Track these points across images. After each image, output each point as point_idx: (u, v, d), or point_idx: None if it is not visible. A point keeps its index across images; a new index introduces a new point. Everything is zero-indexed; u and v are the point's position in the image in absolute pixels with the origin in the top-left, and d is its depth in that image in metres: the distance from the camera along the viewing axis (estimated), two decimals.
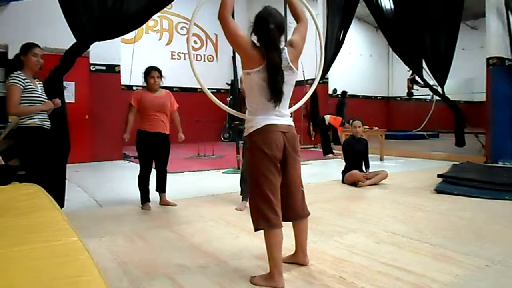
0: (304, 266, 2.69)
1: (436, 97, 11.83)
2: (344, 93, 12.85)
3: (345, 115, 11.71)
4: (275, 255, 2.41)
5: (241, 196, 4.51)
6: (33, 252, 0.97)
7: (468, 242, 3.21)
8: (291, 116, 2.63)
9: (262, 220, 2.41)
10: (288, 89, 2.50)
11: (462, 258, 2.85)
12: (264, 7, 2.51)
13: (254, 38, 2.48)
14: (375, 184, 5.72)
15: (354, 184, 5.69)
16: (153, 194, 4.52)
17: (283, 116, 2.50)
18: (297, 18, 2.67)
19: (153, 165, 4.50)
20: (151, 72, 4.44)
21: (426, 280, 2.47)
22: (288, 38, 2.71)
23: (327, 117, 10.10)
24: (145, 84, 4.49)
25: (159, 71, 4.50)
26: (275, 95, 2.40)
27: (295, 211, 2.60)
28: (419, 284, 2.42)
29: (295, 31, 2.63)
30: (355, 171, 5.73)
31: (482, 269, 2.67)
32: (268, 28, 2.38)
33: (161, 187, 4.57)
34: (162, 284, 2.46)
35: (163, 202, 4.55)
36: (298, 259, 2.71)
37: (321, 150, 10.39)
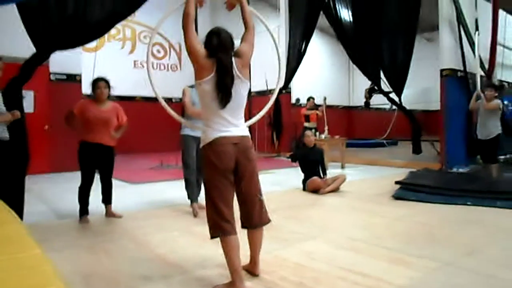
0: (266, 274, 2.75)
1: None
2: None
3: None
4: (233, 261, 2.48)
5: (189, 200, 4.62)
6: None
7: (422, 245, 3.37)
8: (247, 126, 2.70)
9: (216, 229, 2.52)
10: (238, 98, 2.57)
11: (416, 261, 3.00)
12: (215, 26, 2.66)
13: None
14: (335, 190, 5.86)
15: (316, 191, 5.83)
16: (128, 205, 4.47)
17: (235, 126, 2.57)
18: (245, 25, 2.77)
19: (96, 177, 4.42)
20: (98, 83, 4.32)
21: (382, 283, 2.59)
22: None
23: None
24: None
25: (107, 82, 4.37)
26: (224, 95, 2.48)
27: (250, 219, 2.66)
28: (376, 287, 2.53)
29: (242, 39, 2.73)
30: (315, 178, 5.89)
31: (435, 270, 2.82)
32: (220, 37, 2.54)
33: (106, 199, 4.50)
34: None
35: (109, 214, 4.48)
36: (249, 268, 2.75)
37: (284, 158, 10.54)
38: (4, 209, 1.58)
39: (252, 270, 2.73)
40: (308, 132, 6.39)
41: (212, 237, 2.55)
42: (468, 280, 2.64)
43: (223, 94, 2.48)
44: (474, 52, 8.52)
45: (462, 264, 2.93)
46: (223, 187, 2.52)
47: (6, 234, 1.21)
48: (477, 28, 8.67)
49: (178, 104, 4.85)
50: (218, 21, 3.00)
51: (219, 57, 2.49)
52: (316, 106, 10.73)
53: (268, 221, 2.75)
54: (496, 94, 6.41)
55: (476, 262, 2.97)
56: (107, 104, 4.40)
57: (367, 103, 14.54)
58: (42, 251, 1.07)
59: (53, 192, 6.09)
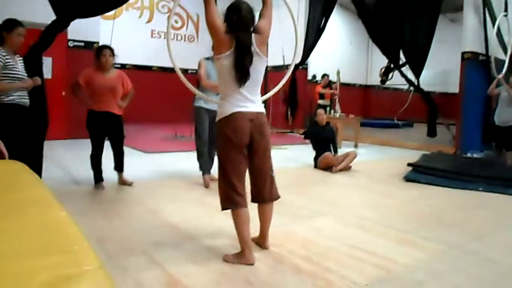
0: (275, 247, 2.83)
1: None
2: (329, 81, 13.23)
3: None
4: (243, 233, 2.56)
5: (201, 171, 4.70)
6: (24, 226, 1.03)
7: (430, 228, 3.41)
8: (263, 102, 2.73)
9: (228, 201, 2.60)
10: (256, 75, 2.60)
11: (424, 242, 3.04)
12: (235, 0, 2.63)
13: None
14: (347, 168, 5.88)
15: (327, 168, 5.86)
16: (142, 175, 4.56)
17: (252, 102, 2.61)
18: (263, 1, 2.75)
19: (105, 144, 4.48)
20: (103, 51, 4.30)
21: (387, 262, 2.65)
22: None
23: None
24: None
25: (111, 50, 4.35)
26: (242, 75, 2.51)
27: (261, 194, 2.72)
28: (380, 265, 2.60)
29: (260, 15, 2.72)
30: (327, 153, 5.93)
31: (441, 253, 2.87)
32: (240, 13, 2.53)
33: (119, 166, 4.57)
34: (138, 259, 2.56)
35: (121, 181, 4.57)
36: (259, 241, 2.82)
37: (297, 135, 10.55)
38: (29, 173, 1.65)
39: (261, 243, 2.80)
40: (320, 111, 6.40)
41: (223, 208, 2.63)
42: (471, 264, 2.68)
43: (242, 73, 2.51)
44: (497, 34, 8.30)
45: (468, 248, 2.96)
46: (237, 161, 2.58)
47: (33, 196, 1.28)
48: (506, 9, 8.42)
49: (194, 76, 4.86)
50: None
51: (239, 36, 2.50)
52: (331, 84, 10.65)
53: (278, 197, 2.80)
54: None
55: (481, 247, 3.01)
56: (112, 72, 4.40)
57: (383, 81, 14.35)
58: (67, 213, 1.14)
59: (69, 158, 6.23)
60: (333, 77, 11.03)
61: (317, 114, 6.33)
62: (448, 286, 2.38)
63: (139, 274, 2.36)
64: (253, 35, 2.58)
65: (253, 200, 2.74)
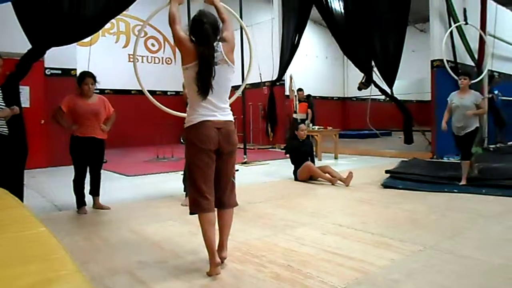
0: (256, 257, 2.91)
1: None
2: (309, 95, 13.51)
3: (314, 114, 12.33)
4: (207, 236, 2.66)
5: (184, 193, 4.79)
6: (6, 240, 1.11)
7: (406, 230, 3.54)
8: (231, 111, 2.83)
9: (194, 205, 2.70)
10: (223, 82, 2.72)
11: (399, 244, 3.16)
12: (199, 10, 2.76)
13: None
14: (332, 181, 5.92)
15: (308, 179, 6.00)
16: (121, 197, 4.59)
17: (220, 110, 2.70)
18: (221, 20, 2.90)
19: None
20: (86, 79, 4.38)
21: (365, 264, 2.75)
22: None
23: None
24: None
25: (94, 77, 4.44)
26: (203, 88, 2.61)
27: (221, 200, 2.81)
28: (358, 268, 2.70)
29: (223, 29, 2.84)
30: (308, 162, 6.07)
31: (416, 253, 2.98)
32: (203, 27, 2.64)
33: (95, 191, 4.61)
34: (122, 279, 2.61)
35: (97, 206, 4.60)
36: (218, 252, 2.74)
37: (278, 150, 10.67)
38: (10, 196, 1.72)
39: (219, 253, 2.74)
40: (302, 126, 6.55)
41: (191, 213, 2.74)
42: (445, 261, 2.80)
43: (203, 87, 2.61)
44: (465, 43, 8.64)
45: (442, 247, 3.09)
46: (203, 165, 2.67)
47: (13, 216, 1.35)
48: (465, 19, 8.80)
49: (175, 97, 4.97)
50: (210, 8, 3.18)
51: (200, 50, 2.62)
52: (310, 98, 10.86)
53: (236, 204, 2.90)
54: (470, 83, 5.91)
55: (455, 245, 3.13)
56: (94, 97, 4.49)
57: (360, 88, 14.59)
58: (47, 228, 1.21)
59: (51, 185, 6.21)
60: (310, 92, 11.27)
61: (298, 129, 6.47)
62: (423, 283, 2.48)
63: None
64: (221, 44, 2.72)
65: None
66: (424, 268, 2.70)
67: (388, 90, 9.08)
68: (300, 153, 6.30)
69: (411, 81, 15.79)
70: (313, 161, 6.34)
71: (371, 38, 8.71)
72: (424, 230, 3.55)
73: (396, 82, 8.84)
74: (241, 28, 3.64)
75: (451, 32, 8.69)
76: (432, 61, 8.75)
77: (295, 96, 10.22)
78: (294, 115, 10.18)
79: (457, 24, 8.56)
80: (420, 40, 15.47)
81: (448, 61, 8.72)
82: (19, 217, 1.37)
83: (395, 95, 8.91)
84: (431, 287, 2.42)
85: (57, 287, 0.85)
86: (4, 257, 1.01)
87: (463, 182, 5.50)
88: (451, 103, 5.81)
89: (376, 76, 9.20)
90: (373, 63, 9.03)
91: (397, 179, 5.81)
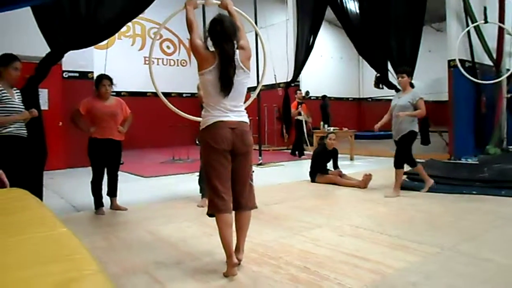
0: (272, 259, 2.91)
1: None
2: (324, 96, 13.58)
3: (330, 115, 12.38)
4: (224, 237, 2.66)
5: (200, 194, 4.83)
6: (29, 240, 1.13)
7: (423, 232, 3.50)
8: (246, 113, 2.85)
9: (211, 206, 2.71)
10: (239, 86, 2.74)
11: (416, 246, 3.12)
12: (218, 13, 2.80)
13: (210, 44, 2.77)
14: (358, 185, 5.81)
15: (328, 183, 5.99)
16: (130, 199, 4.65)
17: (234, 112, 2.72)
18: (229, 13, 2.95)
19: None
20: (103, 81, 4.46)
21: (382, 266, 2.73)
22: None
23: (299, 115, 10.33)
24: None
25: (110, 79, 4.51)
26: (226, 85, 2.64)
27: (239, 201, 2.80)
28: (375, 270, 2.67)
29: (239, 37, 2.84)
30: (332, 176, 6.09)
31: (433, 255, 2.95)
32: (223, 25, 2.68)
33: (112, 192, 4.67)
34: (139, 279, 2.64)
35: (114, 207, 4.65)
36: (234, 253, 2.74)
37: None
38: (31, 197, 1.76)
39: (235, 255, 2.74)
40: (331, 135, 6.51)
41: (208, 214, 2.76)
42: (464, 264, 2.76)
43: (226, 83, 2.64)
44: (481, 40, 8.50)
45: (461, 249, 3.04)
46: (218, 165, 2.68)
47: (35, 217, 1.38)
48: (485, 18, 8.66)
49: (189, 99, 5.00)
50: (225, 12, 3.28)
51: (222, 47, 2.65)
52: (304, 99, 10.85)
53: (255, 206, 2.90)
54: (410, 80, 5.29)
55: (474, 248, 3.09)
56: (111, 99, 4.56)
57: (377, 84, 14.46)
58: (68, 229, 1.24)
59: (69, 186, 6.31)
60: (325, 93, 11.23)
61: (328, 137, 6.43)
62: (441, 286, 2.45)
63: None
64: (237, 51, 2.74)
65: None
66: (442, 271, 2.67)
67: None
68: (324, 160, 6.32)
69: (428, 81, 15.59)
70: (336, 166, 6.37)
71: (387, 38, 8.63)
72: (442, 232, 3.50)
73: (412, 82, 8.72)
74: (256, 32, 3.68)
75: (468, 31, 8.57)
76: (449, 61, 8.64)
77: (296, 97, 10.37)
78: (298, 117, 10.18)
79: (475, 24, 8.42)
80: (437, 39, 15.30)
81: (465, 60, 8.61)
82: (41, 217, 1.40)
83: None
84: None
85: (81, 286, 0.87)
86: (29, 257, 1.04)
87: (392, 194, 5.03)
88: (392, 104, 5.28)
89: (392, 76, 9.10)
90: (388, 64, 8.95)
91: (413, 181, 5.75)
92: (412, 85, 5.27)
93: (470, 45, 8.63)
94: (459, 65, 7.93)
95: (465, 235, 3.41)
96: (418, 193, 5.17)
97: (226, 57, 2.65)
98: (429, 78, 15.31)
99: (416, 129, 5.17)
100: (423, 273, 2.62)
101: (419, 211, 4.31)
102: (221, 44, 2.67)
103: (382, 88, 10.73)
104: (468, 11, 8.53)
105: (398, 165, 5.19)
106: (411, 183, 5.64)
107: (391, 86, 8.88)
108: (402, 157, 5.20)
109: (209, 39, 2.74)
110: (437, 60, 13.81)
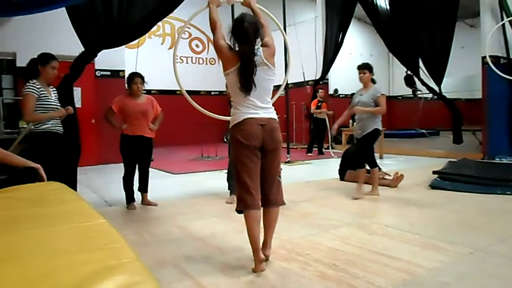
0: (301, 255, 2.92)
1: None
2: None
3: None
4: (251, 232, 2.68)
5: (229, 191, 4.89)
6: (71, 230, 1.19)
7: (455, 232, 3.43)
8: (274, 109, 2.86)
9: (240, 202, 2.73)
10: (264, 83, 2.76)
11: (448, 246, 3.07)
12: (241, 13, 2.84)
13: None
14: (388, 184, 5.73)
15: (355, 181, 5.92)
16: (160, 194, 4.73)
17: (263, 108, 2.75)
18: (259, 24, 2.92)
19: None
20: (135, 79, 4.55)
21: (412, 266, 2.70)
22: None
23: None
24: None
25: (142, 77, 4.61)
26: (246, 84, 2.67)
27: (268, 198, 2.82)
28: (405, 269, 2.64)
29: (262, 35, 2.88)
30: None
31: (466, 256, 2.89)
32: (243, 25, 2.71)
33: (143, 188, 4.76)
34: (170, 272, 2.70)
35: (145, 202, 4.74)
36: (262, 250, 2.77)
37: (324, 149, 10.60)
38: (69, 190, 1.83)
39: (263, 251, 2.77)
40: None
41: (237, 210, 2.77)
42: (498, 265, 2.70)
43: (246, 85, 2.67)
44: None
45: (494, 250, 2.97)
46: (248, 161, 2.70)
47: (74, 208, 1.44)
48: None
49: (217, 97, 5.06)
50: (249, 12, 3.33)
51: (241, 50, 2.70)
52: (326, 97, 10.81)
53: (283, 203, 2.90)
54: (372, 76, 5.21)
55: (508, 249, 3.01)
56: (142, 97, 4.66)
57: (413, 91, 14.15)
58: (106, 220, 1.29)
59: (101, 182, 6.48)
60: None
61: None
62: (474, 287, 2.41)
63: (172, 285, 2.48)
64: (261, 48, 2.78)
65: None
66: (475, 272, 2.61)
67: (436, 88, 8.81)
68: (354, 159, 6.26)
69: (460, 78, 15.24)
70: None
71: (418, 34, 8.47)
72: (475, 233, 3.43)
73: (444, 79, 8.56)
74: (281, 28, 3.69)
75: (503, 27, 8.31)
76: (483, 58, 8.40)
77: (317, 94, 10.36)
78: (319, 116, 10.15)
79: (510, 18, 8.15)
80: (470, 36, 14.90)
81: (500, 57, 8.36)
82: (79, 209, 1.47)
83: (443, 93, 8.64)
84: None
85: (120, 273, 0.91)
86: (70, 245, 1.09)
87: (356, 196, 4.87)
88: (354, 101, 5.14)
89: (424, 73, 8.94)
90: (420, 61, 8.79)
91: (445, 180, 5.63)
92: (373, 81, 5.16)
93: (506, 41, 8.37)
94: (489, 61, 7.68)
95: (499, 236, 3.33)
96: (450, 193, 5.07)
97: (244, 58, 2.68)
98: (462, 75, 14.94)
99: (380, 127, 5.02)
100: (456, 273, 2.57)
101: (450, 210, 4.22)
102: (240, 45, 2.72)
103: (415, 87, 10.56)
104: (503, 6, 8.28)
105: (360, 164, 5.11)
106: (441, 182, 5.52)
107: (423, 83, 8.72)
108: (364, 156, 5.07)
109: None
110: (470, 57, 13.44)
